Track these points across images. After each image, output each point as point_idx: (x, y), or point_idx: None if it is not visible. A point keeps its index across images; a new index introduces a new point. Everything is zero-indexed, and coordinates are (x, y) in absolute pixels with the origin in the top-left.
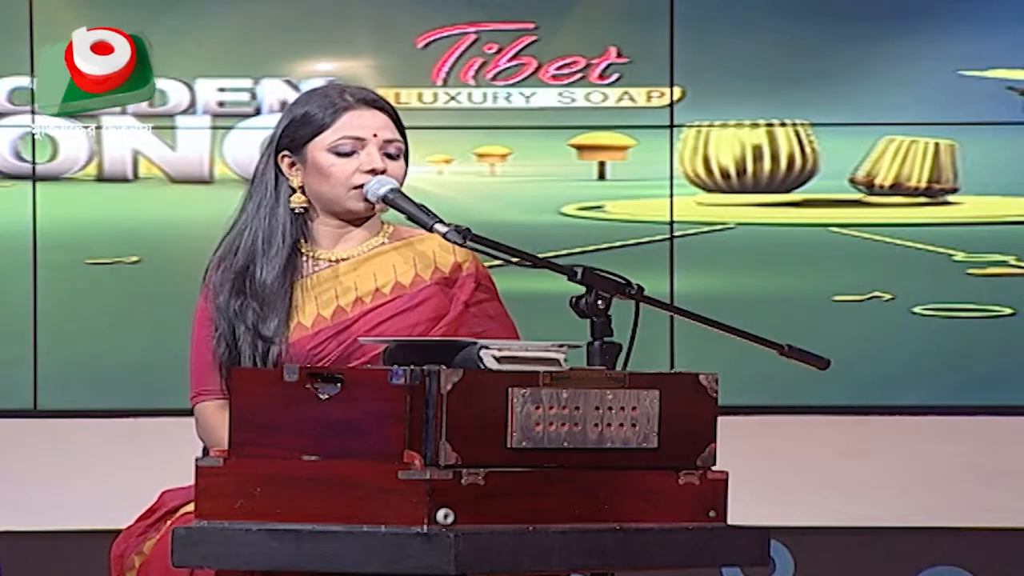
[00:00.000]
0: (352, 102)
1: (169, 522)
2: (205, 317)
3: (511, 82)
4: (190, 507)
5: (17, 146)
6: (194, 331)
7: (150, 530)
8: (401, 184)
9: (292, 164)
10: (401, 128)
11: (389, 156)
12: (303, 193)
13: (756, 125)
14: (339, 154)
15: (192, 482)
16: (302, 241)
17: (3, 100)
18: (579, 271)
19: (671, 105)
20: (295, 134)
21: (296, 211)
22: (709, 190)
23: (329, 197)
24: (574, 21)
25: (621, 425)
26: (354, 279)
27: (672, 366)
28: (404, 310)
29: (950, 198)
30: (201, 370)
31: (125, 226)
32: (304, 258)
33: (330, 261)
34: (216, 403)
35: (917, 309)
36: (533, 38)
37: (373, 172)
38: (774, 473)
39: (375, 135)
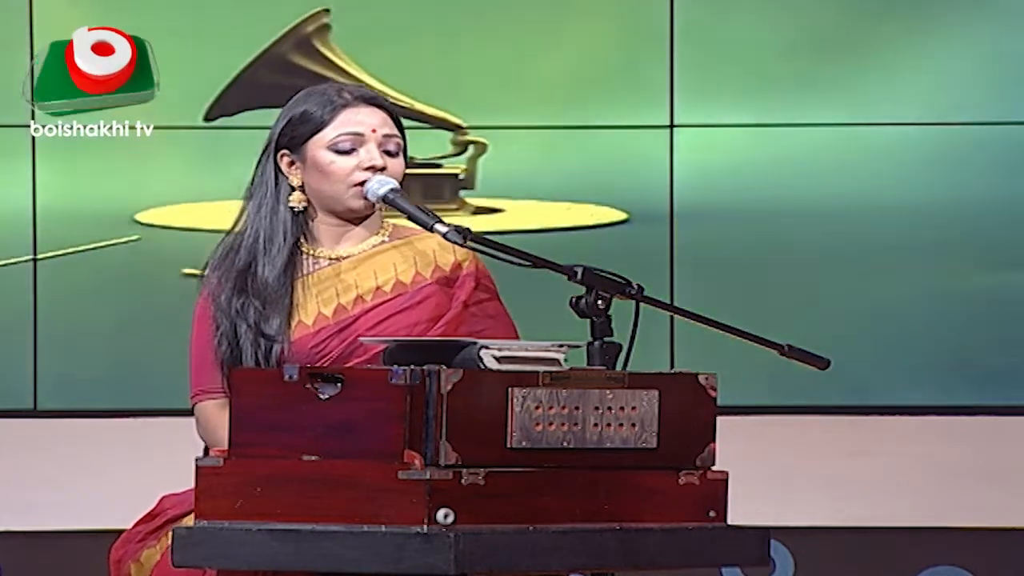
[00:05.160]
0: (350, 99)
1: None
2: (205, 316)
3: None
4: (191, 520)
5: (17, 145)
6: (194, 330)
7: (150, 538)
8: (401, 181)
9: (291, 163)
10: (400, 125)
11: (388, 153)
12: (303, 192)
13: (755, 126)
14: (338, 152)
15: (192, 487)
16: (303, 240)
17: (3, 100)
18: (579, 271)
19: (671, 105)
20: (293, 133)
21: (295, 210)
22: (709, 189)
23: (329, 195)
24: None
25: (621, 425)
26: (355, 277)
27: (672, 366)
28: (405, 308)
29: None
30: (201, 369)
31: None
32: (305, 256)
33: (331, 259)
34: (217, 402)
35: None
36: None
37: (373, 169)
38: (774, 473)
39: (374, 131)
